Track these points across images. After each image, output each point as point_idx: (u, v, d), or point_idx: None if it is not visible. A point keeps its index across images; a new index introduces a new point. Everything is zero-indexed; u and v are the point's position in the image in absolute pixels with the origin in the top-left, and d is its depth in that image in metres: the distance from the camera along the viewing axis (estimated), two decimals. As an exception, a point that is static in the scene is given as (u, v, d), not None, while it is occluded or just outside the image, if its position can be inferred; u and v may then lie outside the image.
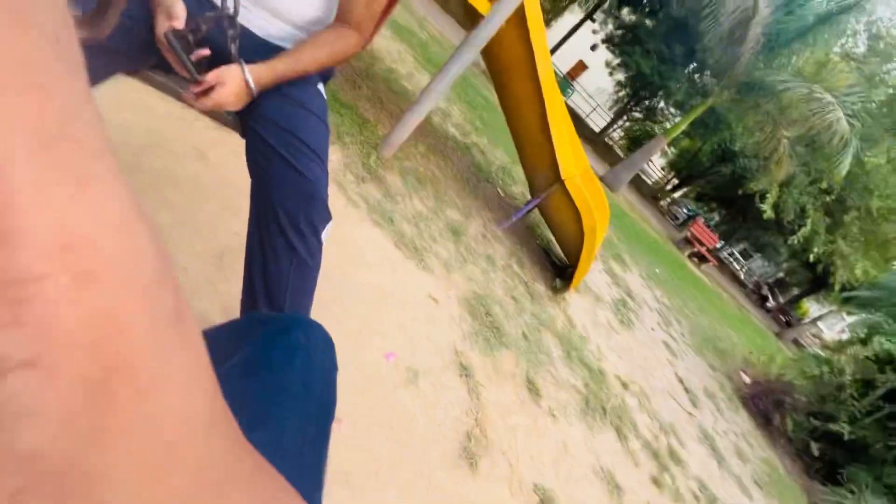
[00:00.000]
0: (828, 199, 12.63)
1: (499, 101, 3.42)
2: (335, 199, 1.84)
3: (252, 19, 0.85)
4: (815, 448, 4.66)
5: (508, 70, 2.89)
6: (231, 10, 0.73)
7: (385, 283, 1.72)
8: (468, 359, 1.72)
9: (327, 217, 0.83)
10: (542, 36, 2.47)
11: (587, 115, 17.77)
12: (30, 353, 0.10)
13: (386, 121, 2.84)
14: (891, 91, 11.85)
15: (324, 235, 0.83)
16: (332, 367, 0.54)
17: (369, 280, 1.67)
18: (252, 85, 0.78)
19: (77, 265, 0.11)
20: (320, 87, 0.93)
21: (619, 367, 2.88)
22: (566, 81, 14.46)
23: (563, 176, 2.73)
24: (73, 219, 0.11)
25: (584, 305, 3.21)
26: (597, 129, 17.44)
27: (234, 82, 0.76)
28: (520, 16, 2.35)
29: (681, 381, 3.74)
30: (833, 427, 4.66)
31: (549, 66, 2.55)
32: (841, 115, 9.30)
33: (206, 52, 0.74)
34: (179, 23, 0.71)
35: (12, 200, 0.09)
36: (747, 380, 5.14)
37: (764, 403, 4.72)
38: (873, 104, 11.11)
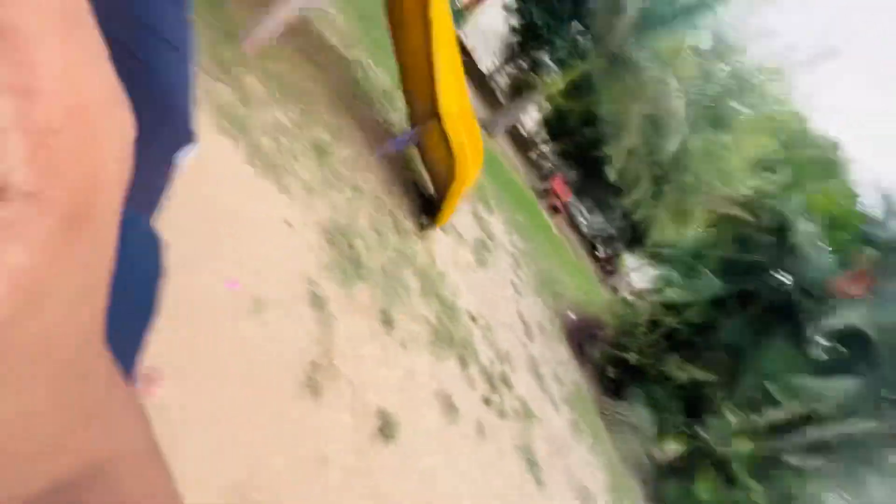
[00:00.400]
0: (657, 171, 15.00)
1: (387, 16, 3.13)
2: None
3: None
4: (610, 372, 5.89)
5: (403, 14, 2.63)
6: None
7: (231, 201, 1.51)
8: (322, 289, 1.66)
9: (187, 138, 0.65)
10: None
11: (476, 54, 17.56)
12: (35, 187, 0.12)
13: (251, 7, 2.39)
14: (718, 88, 14.13)
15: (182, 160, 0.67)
16: (157, 272, 0.46)
17: (211, 196, 1.45)
18: None
19: (86, 126, 0.14)
20: None
21: (470, 302, 3.12)
22: (460, 14, 13.93)
23: (441, 112, 2.68)
24: (88, 87, 0.14)
25: (447, 243, 3.34)
26: (484, 71, 17.50)
27: None
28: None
29: (520, 316, 4.25)
30: (625, 356, 5.91)
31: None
32: (682, 102, 10.86)
33: None
34: None
35: (47, 63, 0.12)
36: (573, 317, 6.11)
37: (580, 337, 5.72)
38: (705, 96, 13.16)
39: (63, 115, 0.13)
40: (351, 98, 3.13)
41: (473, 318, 2.99)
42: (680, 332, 6.24)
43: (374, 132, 3.21)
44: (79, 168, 0.14)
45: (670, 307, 6.46)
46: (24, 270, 0.13)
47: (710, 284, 6.35)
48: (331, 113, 2.66)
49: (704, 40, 14.37)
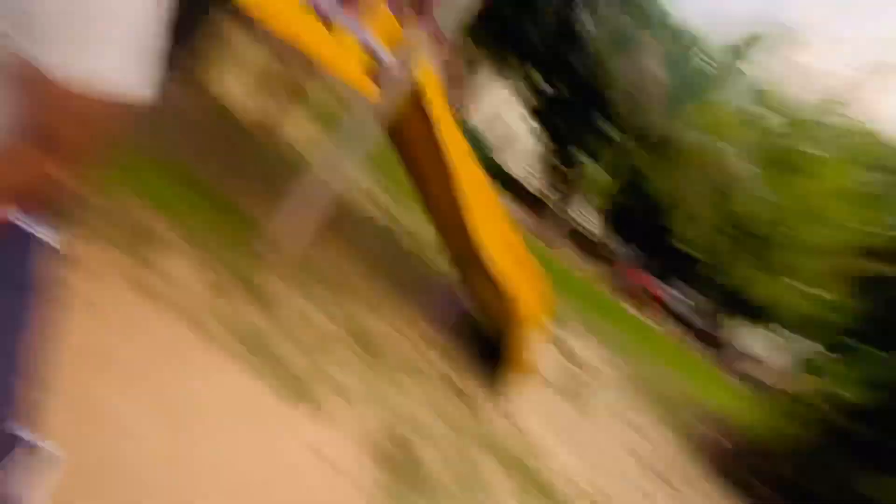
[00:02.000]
0: (736, 231, 13.60)
1: (405, 169, 3.14)
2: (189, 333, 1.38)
3: None
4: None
5: (410, 142, 2.64)
6: None
7: (250, 448, 1.24)
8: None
9: None
10: (451, 128, 2.23)
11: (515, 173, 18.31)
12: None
13: (272, 210, 2.45)
14: (778, 137, 13.27)
15: None
16: None
17: (216, 450, 1.19)
18: None
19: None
20: None
21: (577, 472, 2.46)
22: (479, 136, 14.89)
23: (484, 255, 2.42)
24: None
25: (531, 400, 2.82)
26: (530, 188, 18.03)
27: None
28: (418, 102, 2.13)
29: (650, 465, 3.36)
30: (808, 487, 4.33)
31: (461, 151, 2.29)
32: (740, 160, 10.29)
33: None
34: None
35: None
36: (720, 443, 4.81)
37: (741, 471, 4.36)
38: (766, 148, 12.39)
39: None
40: (395, 267, 3.04)
41: (585, 496, 2.31)
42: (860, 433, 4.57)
43: (426, 297, 3.03)
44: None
45: (837, 398, 4.93)
46: None
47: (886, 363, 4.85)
48: (374, 291, 2.52)
49: (744, 96, 14.06)
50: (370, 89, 1.81)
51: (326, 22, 2.07)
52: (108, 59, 0.47)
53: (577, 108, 14.40)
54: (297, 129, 4.05)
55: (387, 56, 1.69)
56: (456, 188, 2.33)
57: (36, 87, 0.47)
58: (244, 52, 4.95)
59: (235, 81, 3.82)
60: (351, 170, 1.97)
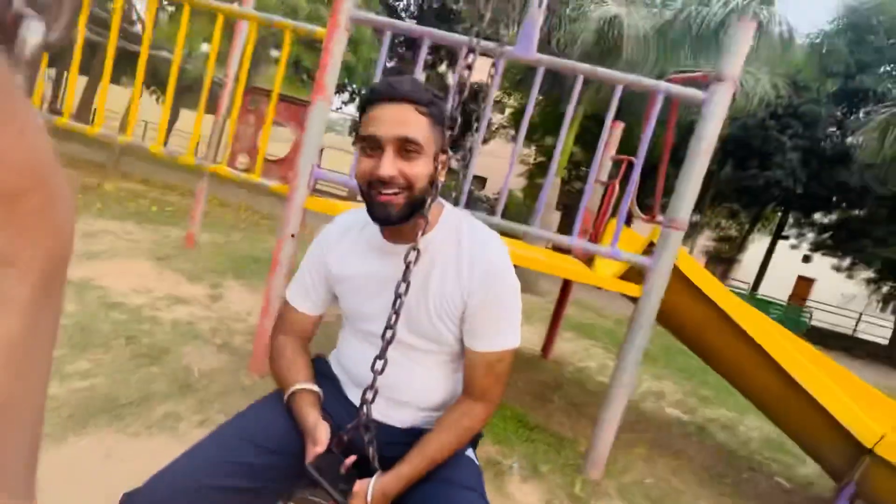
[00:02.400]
0: None
1: (711, 367, 2.87)
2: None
3: (390, 414, 0.90)
4: None
5: (702, 335, 2.52)
6: (364, 420, 0.79)
7: None
8: None
9: None
10: (719, 289, 2.19)
11: (854, 330, 13.78)
12: (12, 253, 0.13)
13: (588, 430, 2.52)
14: None
15: None
16: None
17: None
18: None
19: (48, 186, 0.15)
20: (469, 453, 0.91)
21: None
22: (797, 309, 12.26)
23: (868, 443, 1.82)
24: (42, 148, 0.15)
25: None
26: (884, 340, 13.07)
27: None
28: (680, 277, 2.20)
29: None
30: None
31: (751, 316, 2.13)
32: None
33: (352, 459, 0.80)
34: (321, 448, 0.79)
35: (4, 128, 0.13)
36: None
37: None
38: None
39: (27, 177, 0.14)
40: (730, 471, 2.50)
41: None
42: None
43: (788, 502, 2.29)
44: (49, 228, 0.15)
45: None
46: (11, 340, 0.13)
47: None
48: (715, 502, 2.09)
49: None
50: (634, 289, 1.99)
51: (589, 259, 2.52)
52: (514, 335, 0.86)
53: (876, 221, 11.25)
54: (570, 347, 4.37)
55: (640, 258, 1.91)
56: (776, 363, 2.03)
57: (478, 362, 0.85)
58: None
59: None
60: (636, 375, 2.01)
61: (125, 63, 9.00)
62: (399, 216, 0.79)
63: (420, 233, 0.76)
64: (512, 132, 14.85)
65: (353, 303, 0.91)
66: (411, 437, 0.86)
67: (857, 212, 13.13)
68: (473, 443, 0.95)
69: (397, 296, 0.77)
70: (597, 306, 7.89)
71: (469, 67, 0.82)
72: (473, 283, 0.82)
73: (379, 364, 0.77)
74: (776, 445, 3.10)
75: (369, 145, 0.78)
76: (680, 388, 4.00)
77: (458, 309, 0.84)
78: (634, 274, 2.35)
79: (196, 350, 2.22)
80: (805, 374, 1.96)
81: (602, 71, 1.83)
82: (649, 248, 2.26)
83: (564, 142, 1.90)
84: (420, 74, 2.11)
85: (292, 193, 1.99)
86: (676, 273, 2.16)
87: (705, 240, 20.01)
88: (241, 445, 0.79)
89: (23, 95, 0.16)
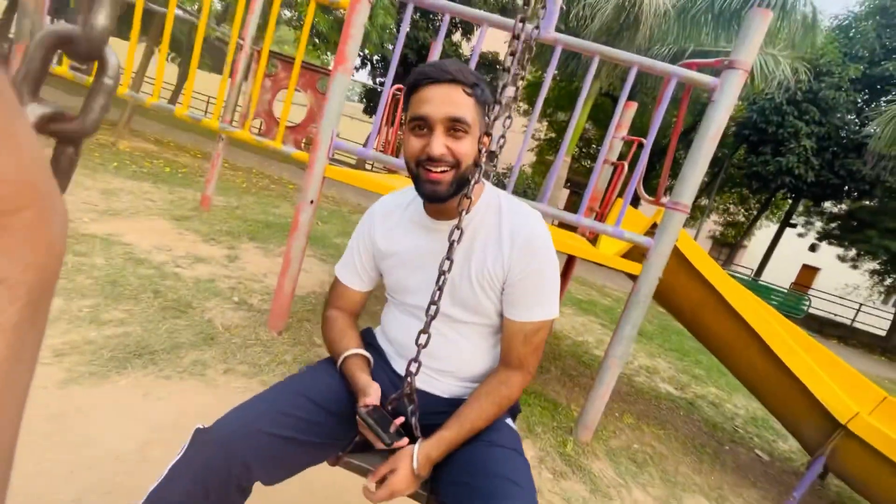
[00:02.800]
0: None
1: (704, 346, 3.00)
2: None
3: (432, 383, 0.94)
4: None
5: (698, 314, 2.63)
6: (408, 390, 0.82)
7: None
8: None
9: None
10: (716, 271, 2.29)
11: (853, 320, 13.90)
12: (2, 274, 0.12)
13: (580, 399, 2.67)
14: None
15: None
16: None
17: None
18: (418, 471, 0.79)
19: (41, 202, 0.14)
20: (509, 422, 0.94)
21: None
22: (797, 295, 12.32)
23: (842, 419, 1.95)
24: (36, 164, 0.14)
25: None
26: (882, 331, 13.19)
27: (404, 468, 0.79)
28: (680, 259, 2.30)
29: None
30: None
31: (745, 298, 2.24)
32: None
33: (400, 420, 0.84)
34: (372, 400, 0.83)
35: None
36: None
37: None
38: None
39: (21, 194, 0.13)
40: (714, 444, 2.67)
41: None
42: None
43: (765, 475, 2.46)
44: (41, 245, 0.14)
45: None
46: (1, 359, 0.13)
47: None
48: (697, 470, 2.26)
49: None
50: (634, 267, 2.09)
51: (594, 237, 2.62)
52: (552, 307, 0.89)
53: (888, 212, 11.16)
54: (568, 320, 4.51)
55: (642, 238, 2.00)
56: (765, 345, 2.14)
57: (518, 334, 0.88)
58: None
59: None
60: (631, 349, 2.12)
61: (143, 22, 8.87)
62: (446, 193, 0.82)
63: (464, 212, 0.78)
64: (524, 106, 14.62)
65: (397, 277, 0.94)
66: (452, 406, 0.88)
67: (867, 202, 13.01)
68: (513, 413, 0.99)
69: (441, 272, 0.79)
70: (598, 284, 8.02)
71: (513, 54, 0.83)
72: (514, 255, 0.85)
73: (423, 338, 0.80)
74: (760, 423, 3.27)
75: (419, 125, 0.80)
76: (673, 366, 4.15)
77: (499, 280, 0.87)
78: (637, 254, 2.44)
79: (217, 306, 2.36)
80: (790, 353, 2.08)
81: (618, 53, 1.87)
82: (652, 230, 2.35)
83: (577, 117, 1.96)
84: (438, 46, 2.15)
85: (313, 162, 2.07)
86: (677, 254, 2.26)
87: (712, 224, 19.91)
88: (298, 400, 0.83)
89: (19, 108, 0.16)
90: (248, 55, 3.64)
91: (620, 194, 3.61)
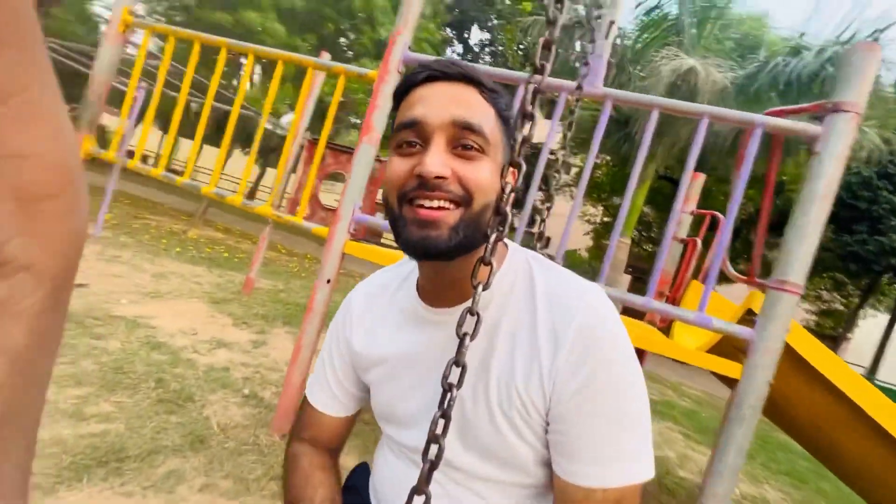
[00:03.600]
0: None
1: (831, 471, 2.24)
2: None
3: None
4: None
5: (823, 431, 1.97)
6: None
7: None
8: None
9: None
10: (846, 372, 1.70)
11: None
12: (31, 259, 0.12)
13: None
14: None
15: None
16: None
17: None
18: None
19: (73, 188, 0.14)
20: None
21: None
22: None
23: None
24: (72, 148, 0.14)
25: None
26: None
27: None
28: (793, 357, 1.74)
29: None
30: None
31: (890, 410, 1.61)
32: None
33: None
34: None
35: (43, 126, 0.12)
36: None
37: None
38: None
39: (57, 179, 0.13)
40: None
41: None
42: None
43: None
44: (67, 234, 0.14)
45: None
46: (20, 351, 0.13)
47: None
48: None
49: None
50: (731, 367, 1.58)
51: (666, 325, 2.14)
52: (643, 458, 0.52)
53: None
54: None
55: (739, 328, 1.52)
56: (886, 442, 1.48)
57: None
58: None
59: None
60: (735, 483, 1.53)
61: (218, 124, 10.18)
62: (447, 246, 0.51)
63: (479, 286, 0.48)
64: (576, 190, 14.56)
65: (385, 399, 0.64)
66: None
67: None
68: None
69: (445, 390, 0.47)
70: (672, 381, 6.97)
71: (536, 92, 0.53)
72: (559, 361, 0.51)
73: (419, 501, 0.48)
74: None
75: (408, 137, 0.52)
76: (787, 496, 3.21)
77: (540, 410, 0.53)
78: (728, 349, 1.92)
79: (221, 399, 2.08)
80: None
81: (682, 104, 1.57)
82: (746, 318, 1.84)
83: (633, 198, 1.63)
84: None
85: (331, 237, 1.87)
86: (787, 351, 1.71)
87: (804, 313, 17.72)
88: None
89: (59, 96, 0.16)
90: (296, 145, 3.76)
91: (695, 276, 3.10)
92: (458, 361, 0.47)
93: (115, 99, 4.28)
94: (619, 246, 7.01)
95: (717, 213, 2.96)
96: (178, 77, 6.27)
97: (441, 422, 0.46)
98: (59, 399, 1.72)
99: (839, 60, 1.54)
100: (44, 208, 0.14)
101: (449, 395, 0.46)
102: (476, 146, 0.51)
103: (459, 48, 15.51)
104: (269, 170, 18.17)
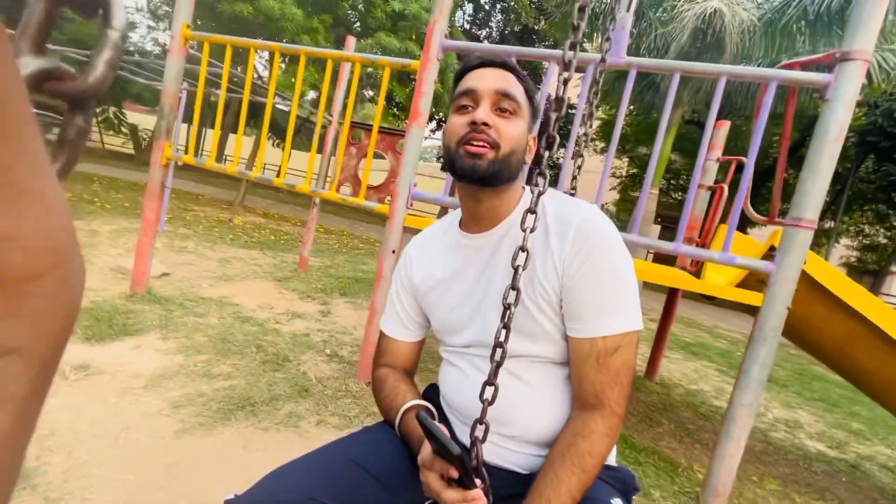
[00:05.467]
0: None
1: (862, 392, 2.45)
2: None
3: (504, 455, 0.74)
4: None
5: (847, 353, 2.18)
6: (475, 463, 0.64)
7: None
8: None
9: None
10: (863, 295, 1.89)
11: None
12: (17, 342, 0.12)
13: (703, 458, 2.28)
14: None
15: None
16: None
17: None
18: None
19: (62, 269, 0.14)
20: (617, 501, 0.70)
21: None
22: None
23: None
24: (62, 228, 0.14)
25: None
26: None
27: None
28: (814, 286, 1.94)
29: None
30: None
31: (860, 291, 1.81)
32: None
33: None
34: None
35: (32, 206, 0.12)
36: None
37: None
38: None
39: (44, 261, 0.13)
40: (896, 520, 2.09)
41: None
42: None
43: None
44: (58, 312, 0.14)
45: None
46: (4, 437, 0.12)
47: None
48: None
49: None
50: (753, 297, 1.80)
51: (697, 268, 2.35)
52: (630, 315, 0.68)
53: None
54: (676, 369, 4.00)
55: (760, 263, 1.73)
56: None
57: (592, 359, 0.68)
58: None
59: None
60: (762, 397, 1.78)
61: (250, 114, 10.49)
62: (486, 172, 0.69)
63: (528, 229, 0.65)
64: (601, 144, 14.30)
65: (440, 315, 0.81)
66: (519, 482, 0.71)
67: None
68: (624, 490, 0.76)
69: (505, 308, 0.64)
70: (707, 325, 7.15)
71: (566, 82, 0.72)
72: (565, 251, 0.69)
73: (488, 392, 0.63)
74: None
75: (464, 101, 0.73)
76: (821, 419, 3.44)
77: (555, 289, 0.70)
78: (754, 285, 2.13)
79: (311, 359, 2.45)
80: None
81: (701, 65, 1.73)
82: (769, 254, 2.04)
83: (661, 147, 1.82)
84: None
85: (393, 212, 2.15)
86: (809, 281, 1.91)
87: (844, 249, 17.17)
88: (350, 468, 0.71)
89: (48, 164, 0.15)
90: (336, 130, 4.02)
91: (723, 220, 3.25)
92: (515, 286, 0.64)
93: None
94: (649, 196, 7.04)
95: (742, 158, 3.08)
96: (216, 76, 6.54)
97: (503, 331, 0.63)
98: (189, 363, 2.11)
99: (853, 5, 1.66)
100: (29, 290, 0.13)
101: (508, 312, 0.63)
102: (511, 108, 0.71)
103: (469, 8, 15.11)
104: (300, 154, 18.54)
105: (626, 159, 16.11)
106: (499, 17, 15.25)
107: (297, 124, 10.99)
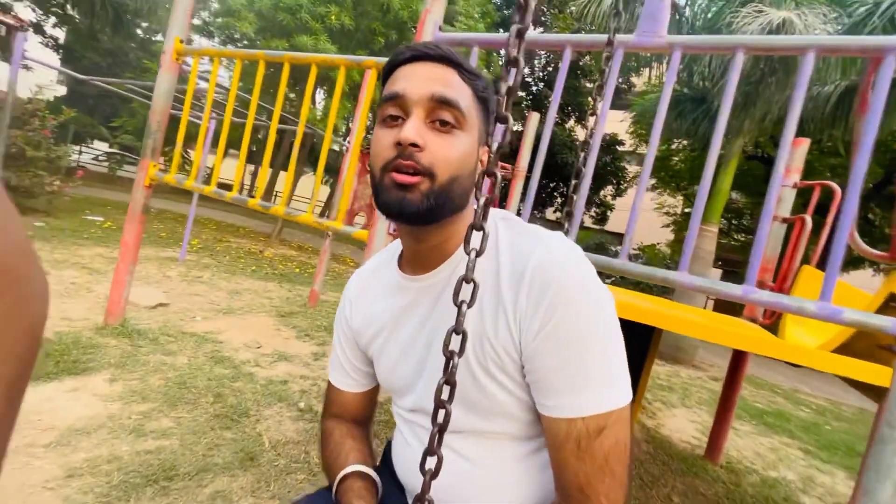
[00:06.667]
0: None
1: None
2: None
3: None
4: None
5: None
6: None
7: None
8: None
9: None
10: None
11: None
12: None
13: None
14: None
15: None
16: None
17: None
18: None
19: (17, 286, 0.13)
20: None
21: None
22: None
23: None
24: (12, 245, 0.13)
25: None
26: None
27: None
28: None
29: None
30: None
31: None
32: None
33: None
34: None
35: None
36: None
37: None
38: None
39: None
40: None
41: None
42: None
43: None
44: (20, 331, 0.13)
45: None
46: None
47: None
48: None
49: None
50: (875, 373, 1.20)
51: (773, 320, 1.76)
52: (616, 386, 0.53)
53: None
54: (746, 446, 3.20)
55: (883, 319, 1.15)
56: None
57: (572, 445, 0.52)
58: (689, 387, 4.93)
59: (681, 415, 3.64)
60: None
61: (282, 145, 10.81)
62: (418, 209, 0.54)
63: (471, 254, 0.48)
64: (651, 181, 13.51)
65: (382, 370, 0.70)
66: None
67: None
68: None
69: (447, 359, 0.48)
70: (785, 388, 6.06)
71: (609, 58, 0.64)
72: (520, 307, 0.54)
73: (430, 462, 0.49)
74: None
75: (391, 109, 0.56)
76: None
77: (512, 355, 0.56)
78: (858, 348, 1.52)
79: (276, 413, 2.03)
80: None
81: (778, 39, 1.24)
82: (890, 305, 1.43)
83: (718, 181, 1.31)
84: (560, 86, 1.77)
85: (371, 238, 1.75)
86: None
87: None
88: None
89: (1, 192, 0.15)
90: (349, 155, 3.76)
91: (803, 261, 2.58)
92: (458, 330, 0.47)
93: (191, 130, 4.63)
94: (706, 235, 6.25)
95: (829, 182, 2.45)
96: (244, 104, 6.69)
97: (445, 387, 0.47)
98: (123, 415, 1.76)
99: None
100: None
101: (451, 363, 0.47)
102: (451, 119, 0.55)
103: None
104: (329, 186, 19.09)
105: (681, 197, 15.13)
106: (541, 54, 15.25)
107: (330, 160, 11.19)
